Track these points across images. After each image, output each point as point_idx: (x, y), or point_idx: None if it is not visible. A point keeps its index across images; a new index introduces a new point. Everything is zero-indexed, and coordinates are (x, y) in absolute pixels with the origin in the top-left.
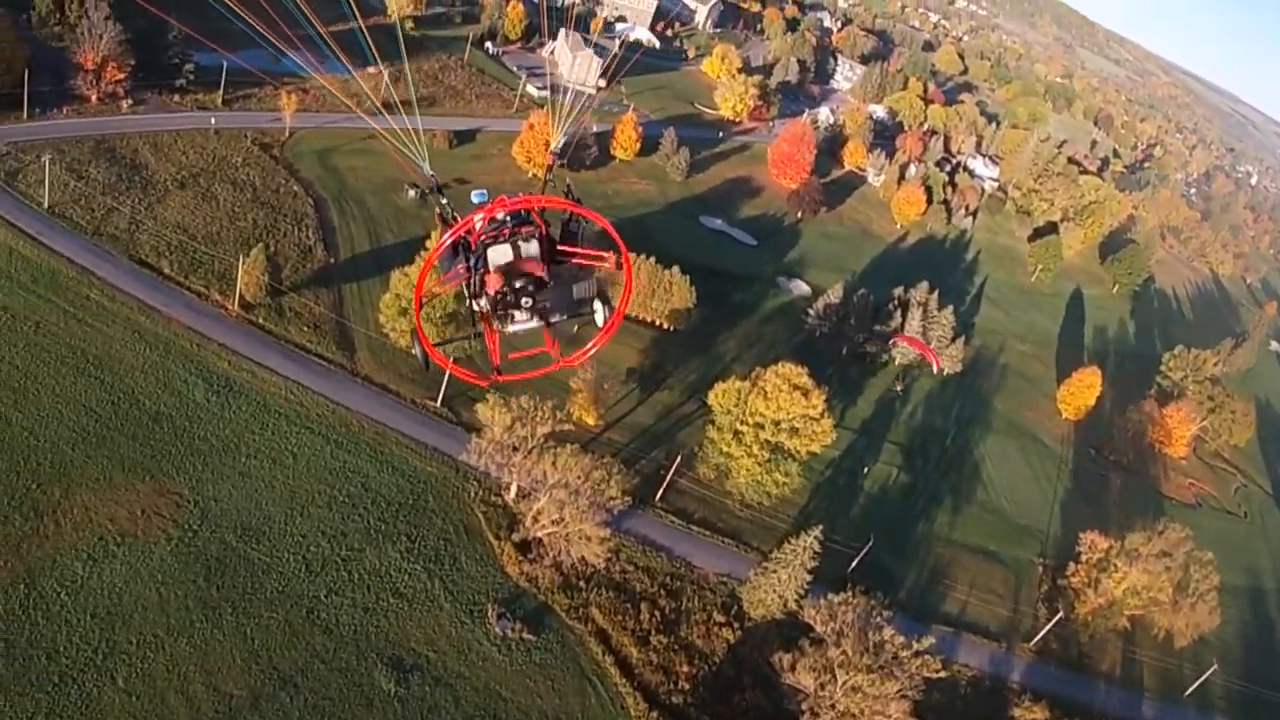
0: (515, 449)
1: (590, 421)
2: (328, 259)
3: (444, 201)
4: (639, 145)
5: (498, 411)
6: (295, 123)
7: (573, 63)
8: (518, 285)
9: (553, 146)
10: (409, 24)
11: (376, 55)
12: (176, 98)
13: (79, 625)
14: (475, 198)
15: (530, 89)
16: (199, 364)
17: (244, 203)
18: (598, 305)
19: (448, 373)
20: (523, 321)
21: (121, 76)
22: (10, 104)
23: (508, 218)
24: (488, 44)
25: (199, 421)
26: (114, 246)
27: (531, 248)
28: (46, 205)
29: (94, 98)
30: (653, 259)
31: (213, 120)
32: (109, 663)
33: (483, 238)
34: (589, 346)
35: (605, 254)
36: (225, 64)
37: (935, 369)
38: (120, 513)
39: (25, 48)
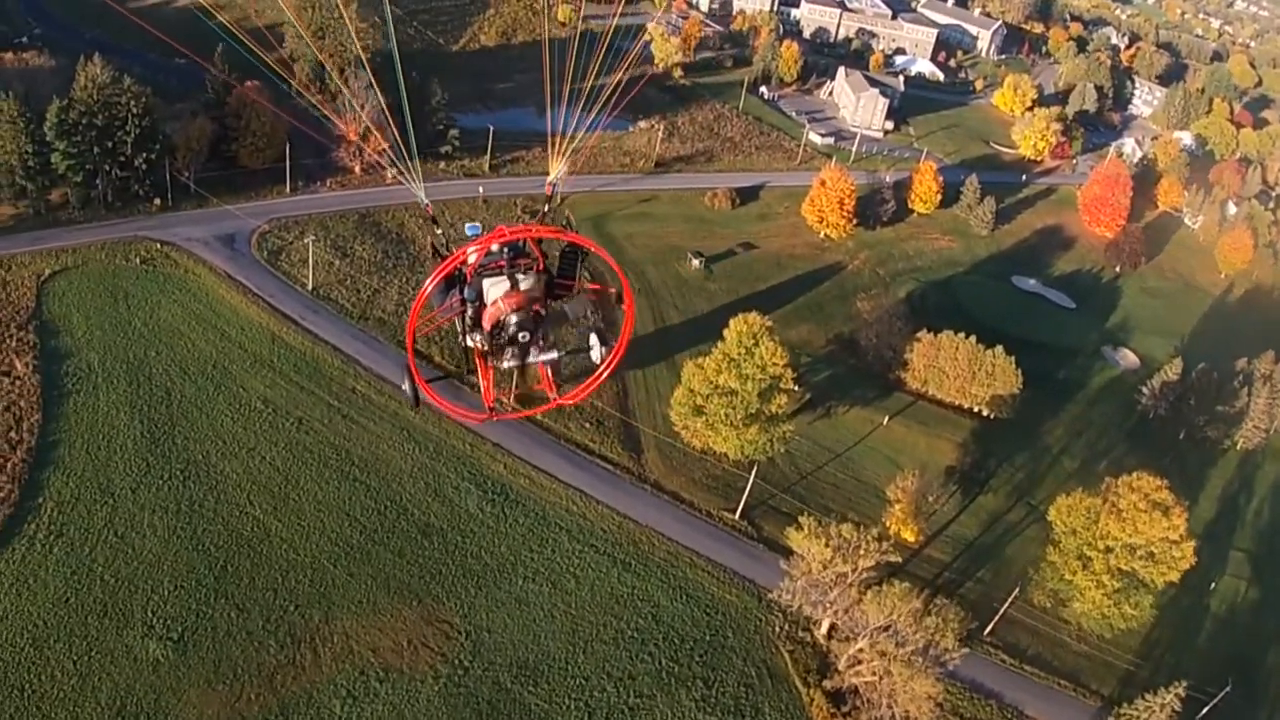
0: (832, 585)
1: (909, 538)
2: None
3: (438, 232)
4: (940, 196)
5: (815, 542)
6: (566, 187)
7: (856, 104)
8: (514, 319)
9: (551, 178)
10: (678, 72)
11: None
12: (442, 165)
13: None
14: (469, 230)
15: (813, 137)
16: (472, 467)
17: None
18: (594, 342)
19: (750, 481)
20: (519, 357)
21: (385, 146)
22: (274, 179)
23: (505, 250)
24: (762, 89)
25: (472, 536)
26: (380, 332)
27: (529, 281)
28: (310, 287)
29: (357, 169)
30: (972, 337)
31: (481, 189)
32: None
33: (479, 270)
34: (587, 384)
35: (605, 288)
36: (492, 127)
37: None
38: (384, 642)
39: (286, 121)
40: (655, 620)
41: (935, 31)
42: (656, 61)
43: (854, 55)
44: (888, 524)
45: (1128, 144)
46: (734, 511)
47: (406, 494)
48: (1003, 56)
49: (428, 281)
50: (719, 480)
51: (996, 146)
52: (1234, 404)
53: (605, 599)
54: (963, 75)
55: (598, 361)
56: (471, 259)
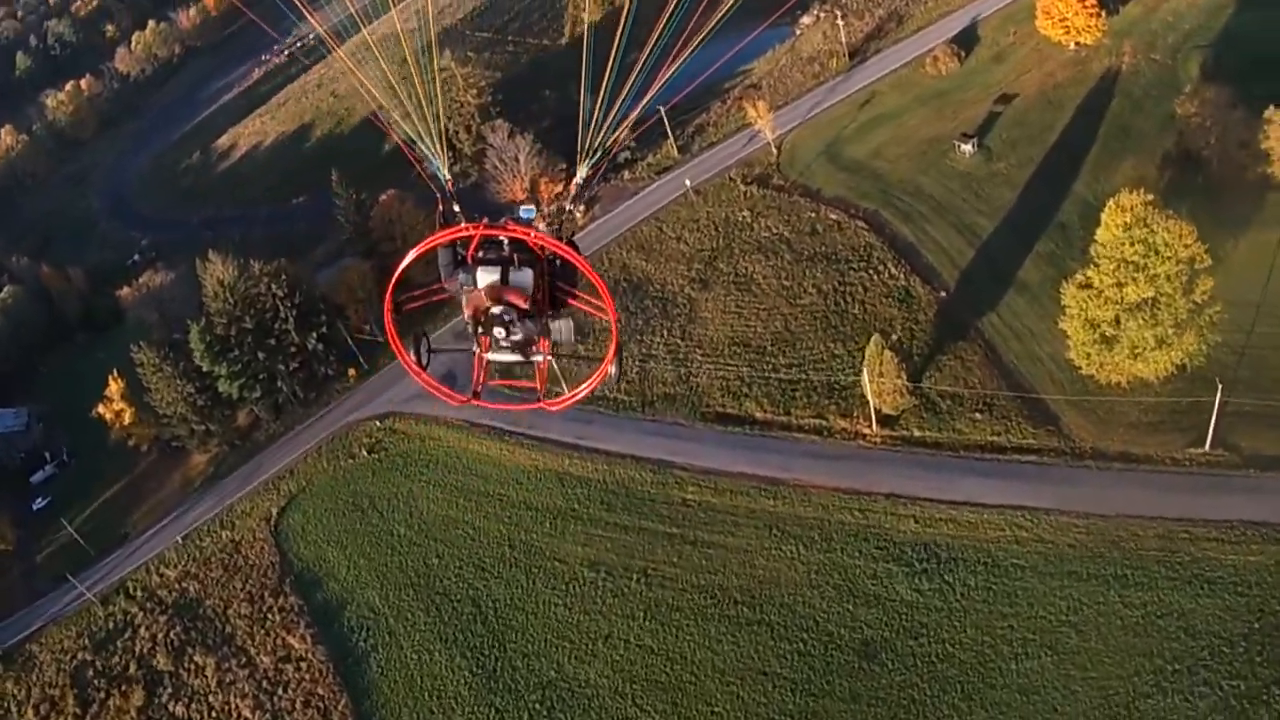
0: None
1: None
2: (936, 294)
3: (455, 209)
4: None
5: None
6: (776, 131)
7: None
8: (494, 311)
9: (577, 178)
10: None
11: None
12: (627, 175)
13: None
14: (523, 213)
15: None
16: (877, 539)
17: (787, 267)
18: (613, 370)
19: (1216, 402)
20: (505, 351)
21: (559, 188)
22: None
23: (506, 241)
24: None
25: (925, 632)
26: (677, 411)
27: (523, 277)
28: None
29: (541, 225)
30: None
31: (687, 182)
32: None
33: (478, 254)
34: (569, 395)
35: (599, 303)
36: (660, 107)
37: None
38: None
39: (435, 213)
40: (1189, 635)
41: None
42: None
43: None
44: None
45: None
46: (1202, 444)
47: (819, 612)
48: None
49: (418, 247)
50: (1162, 411)
51: None
52: None
53: (1120, 638)
54: None
55: (613, 374)
56: (464, 235)
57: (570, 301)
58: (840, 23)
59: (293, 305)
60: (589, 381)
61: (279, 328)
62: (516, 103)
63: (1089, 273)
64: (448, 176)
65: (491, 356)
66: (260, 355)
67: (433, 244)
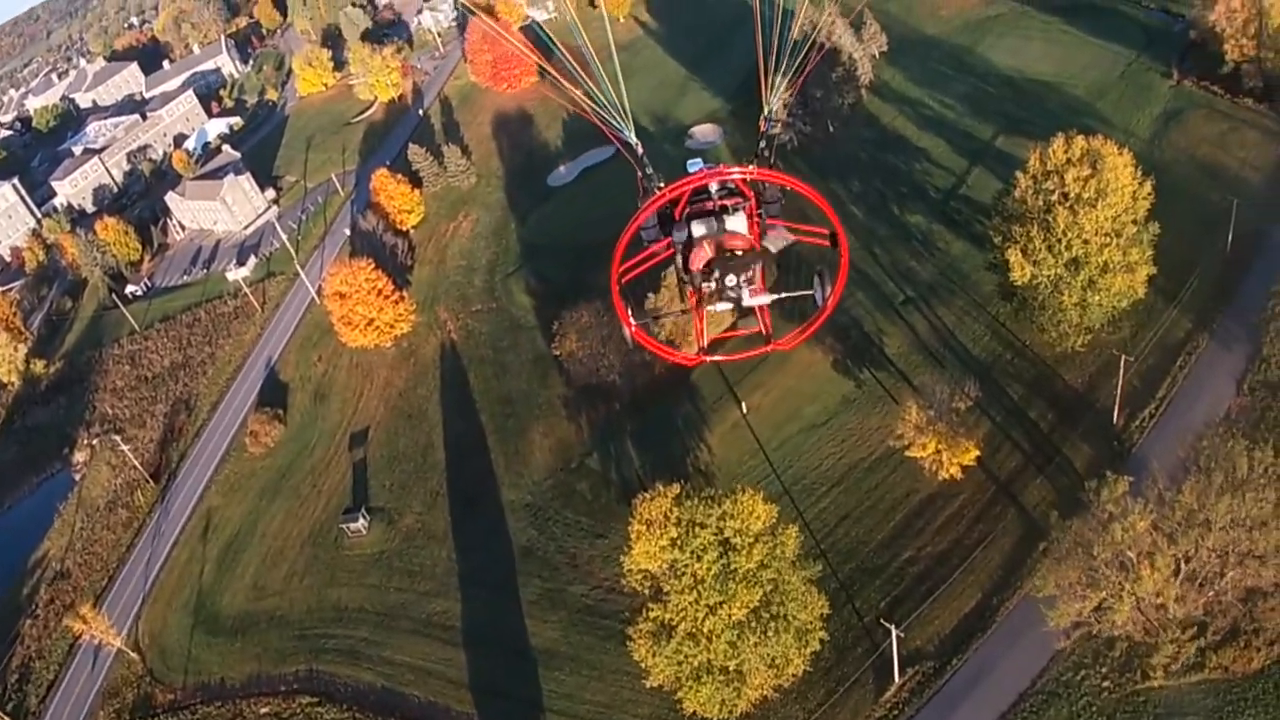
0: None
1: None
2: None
3: (649, 172)
4: None
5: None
6: (120, 631)
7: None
8: (721, 259)
9: (766, 111)
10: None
11: None
12: None
13: None
14: (690, 166)
15: (233, 273)
16: None
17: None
18: (816, 284)
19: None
20: (729, 299)
21: None
22: None
23: (713, 189)
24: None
25: None
26: None
27: (737, 221)
28: None
29: None
30: None
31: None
32: None
33: (687, 210)
34: (803, 329)
35: (818, 229)
36: None
37: None
38: None
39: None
40: None
41: None
42: None
43: None
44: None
45: None
46: (890, 678)
47: None
48: None
49: (635, 218)
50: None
51: None
52: None
53: None
54: None
55: (819, 303)
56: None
57: (779, 225)
58: (123, 445)
59: None
60: (827, 307)
61: None
62: None
63: (657, 612)
64: (636, 140)
65: (719, 307)
66: None
67: (654, 208)
